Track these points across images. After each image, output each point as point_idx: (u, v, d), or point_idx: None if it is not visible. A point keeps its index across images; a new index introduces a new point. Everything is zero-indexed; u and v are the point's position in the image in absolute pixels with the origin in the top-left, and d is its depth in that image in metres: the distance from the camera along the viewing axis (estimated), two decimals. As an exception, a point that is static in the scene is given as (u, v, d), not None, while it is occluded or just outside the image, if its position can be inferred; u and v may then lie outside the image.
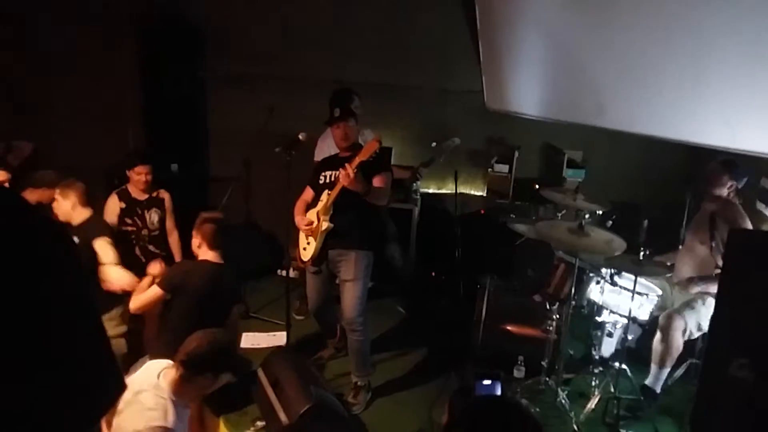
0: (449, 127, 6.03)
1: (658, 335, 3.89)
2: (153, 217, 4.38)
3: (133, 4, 5.72)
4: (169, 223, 4.46)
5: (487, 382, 3.42)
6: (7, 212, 0.81)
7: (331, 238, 3.76)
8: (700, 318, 3.86)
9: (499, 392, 3.40)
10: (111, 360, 0.94)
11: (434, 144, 5.09)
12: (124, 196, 4.34)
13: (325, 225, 3.70)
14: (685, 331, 3.82)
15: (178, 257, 4.40)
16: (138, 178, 4.28)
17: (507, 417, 1.60)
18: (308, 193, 3.97)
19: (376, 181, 3.68)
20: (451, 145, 5.15)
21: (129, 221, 4.32)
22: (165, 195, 4.46)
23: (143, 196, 4.36)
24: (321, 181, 3.87)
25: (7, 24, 5.52)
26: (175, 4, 5.67)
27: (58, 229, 0.91)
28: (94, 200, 5.37)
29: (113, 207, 4.29)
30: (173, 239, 4.47)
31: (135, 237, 4.33)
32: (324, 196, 3.77)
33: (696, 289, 3.96)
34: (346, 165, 3.47)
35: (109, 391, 0.93)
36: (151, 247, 4.38)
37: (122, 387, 0.98)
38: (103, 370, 0.91)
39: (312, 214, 3.83)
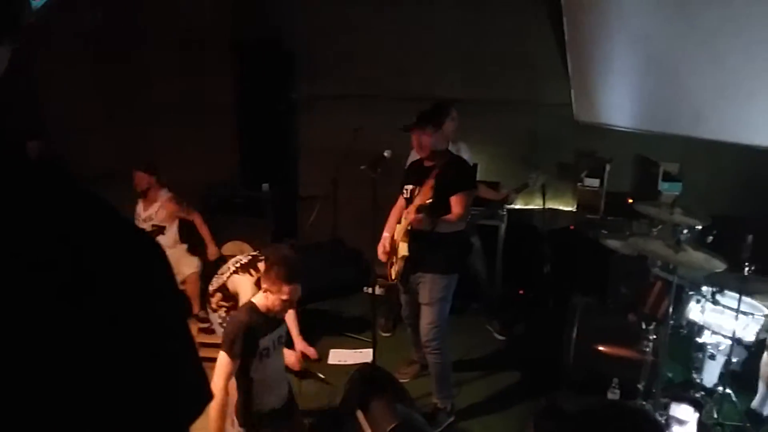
0: (537, 142, 5.92)
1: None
2: None
3: (234, 30, 5.99)
4: None
5: (683, 405, 3.29)
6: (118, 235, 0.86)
7: (410, 262, 3.80)
8: None
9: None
10: (200, 371, 0.97)
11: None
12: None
13: (402, 252, 3.77)
14: None
15: None
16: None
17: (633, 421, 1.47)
18: (400, 200, 4.04)
19: (454, 201, 3.64)
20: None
21: None
22: None
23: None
24: (405, 195, 3.93)
25: (114, 58, 5.89)
26: (271, 30, 5.88)
27: (160, 249, 0.95)
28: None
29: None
30: None
31: None
32: (403, 219, 3.83)
33: None
34: (410, 210, 3.61)
35: (198, 401, 0.96)
36: None
37: (210, 397, 1.01)
38: (193, 380, 0.94)
39: (397, 232, 3.88)
